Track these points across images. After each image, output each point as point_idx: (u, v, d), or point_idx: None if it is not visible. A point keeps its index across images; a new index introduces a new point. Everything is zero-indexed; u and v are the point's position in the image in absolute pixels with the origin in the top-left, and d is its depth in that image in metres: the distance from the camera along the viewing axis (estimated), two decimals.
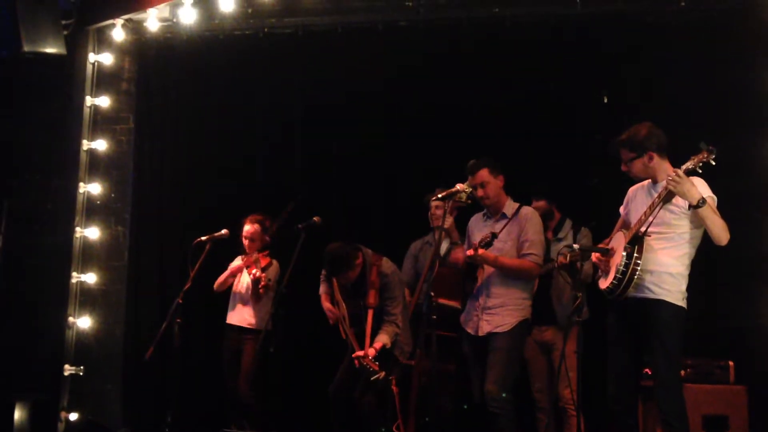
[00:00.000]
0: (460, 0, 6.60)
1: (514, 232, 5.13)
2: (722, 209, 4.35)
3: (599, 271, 4.61)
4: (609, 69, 6.32)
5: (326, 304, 5.68)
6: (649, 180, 4.57)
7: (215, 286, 6.26)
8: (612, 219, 4.83)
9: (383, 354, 5.29)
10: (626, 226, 4.63)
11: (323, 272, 5.72)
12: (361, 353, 5.25)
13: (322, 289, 5.75)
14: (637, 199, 4.60)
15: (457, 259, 5.59)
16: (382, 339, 5.31)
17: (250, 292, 6.10)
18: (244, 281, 6.20)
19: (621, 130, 4.55)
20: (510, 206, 5.23)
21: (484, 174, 5.17)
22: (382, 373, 5.13)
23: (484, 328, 5.04)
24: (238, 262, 6.30)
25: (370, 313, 5.45)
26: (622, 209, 4.74)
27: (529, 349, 5.63)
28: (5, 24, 6.35)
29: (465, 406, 5.39)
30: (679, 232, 4.36)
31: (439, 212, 5.65)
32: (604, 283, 4.48)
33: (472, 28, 6.60)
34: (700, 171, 4.17)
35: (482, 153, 5.38)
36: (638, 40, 6.29)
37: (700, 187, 4.28)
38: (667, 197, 4.27)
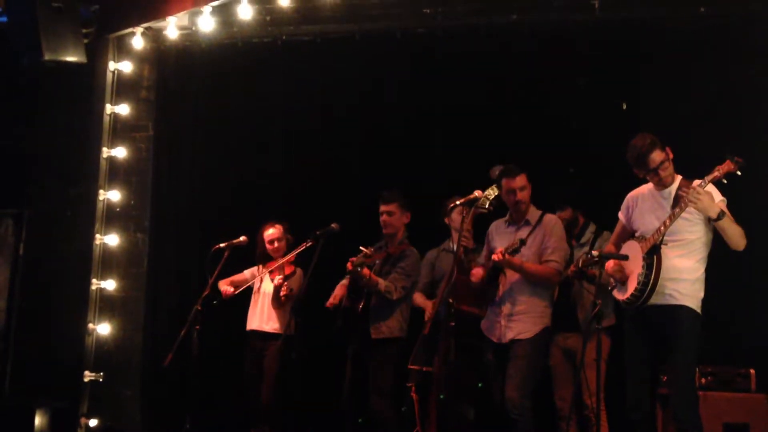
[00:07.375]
0: (477, 7, 6.59)
1: (538, 239, 5.12)
2: (743, 214, 4.35)
3: (612, 280, 4.55)
4: (627, 75, 6.29)
5: (340, 290, 5.84)
6: (649, 186, 4.53)
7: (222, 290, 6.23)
8: None
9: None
10: (627, 232, 4.62)
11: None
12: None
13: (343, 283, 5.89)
14: (643, 206, 4.55)
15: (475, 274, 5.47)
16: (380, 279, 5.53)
17: (271, 298, 6.09)
18: (266, 287, 6.18)
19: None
20: (533, 213, 5.22)
21: (523, 179, 5.15)
22: (370, 250, 5.41)
23: (507, 335, 5.03)
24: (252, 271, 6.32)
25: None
26: (621, 215, 4.71)
27: (554, 356, 5.61)
28: (26, 32, 6.40)
29: (480, 384, 5.41)
30: (692, 238, 4.37)
31: (459, 217, 5.64)
32: (622, 295, 4.46)
33: (490, 35, 6.59)
34: (725, 182, 4.16)
35: (500, 159, 5.38)
36: (656, 46, 6.27)
37: (714, 195, 4.27)
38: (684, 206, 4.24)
